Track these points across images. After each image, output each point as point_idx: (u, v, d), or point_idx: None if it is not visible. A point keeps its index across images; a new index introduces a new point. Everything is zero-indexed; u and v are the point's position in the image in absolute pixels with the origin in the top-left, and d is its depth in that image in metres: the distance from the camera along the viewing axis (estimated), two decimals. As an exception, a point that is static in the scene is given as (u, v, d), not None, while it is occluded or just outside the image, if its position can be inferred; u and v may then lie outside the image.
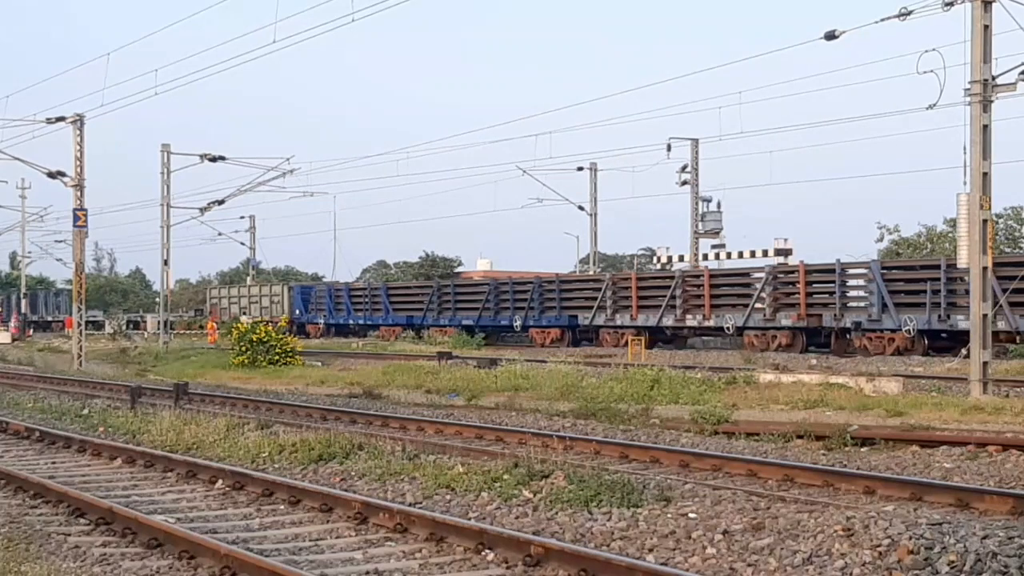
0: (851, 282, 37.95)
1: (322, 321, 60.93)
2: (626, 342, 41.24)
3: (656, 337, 43.41)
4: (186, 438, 16.07)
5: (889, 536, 8.41)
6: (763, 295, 39.02)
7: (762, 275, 40.08)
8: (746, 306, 39.85)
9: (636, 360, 32.07)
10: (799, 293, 38.27)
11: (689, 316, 41.84)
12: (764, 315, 38.85)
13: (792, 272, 39.61)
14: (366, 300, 58.58)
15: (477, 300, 51.88)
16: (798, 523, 9.19)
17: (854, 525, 8.77)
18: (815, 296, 38.39)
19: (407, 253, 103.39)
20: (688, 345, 44.34)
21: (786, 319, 38.26)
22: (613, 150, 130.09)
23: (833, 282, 37.46)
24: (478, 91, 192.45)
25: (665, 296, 42.66)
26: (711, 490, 11.32)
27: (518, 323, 49.12)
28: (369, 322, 58.11)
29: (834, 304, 37.13)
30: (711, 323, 41.07)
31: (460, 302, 52.90)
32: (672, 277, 44.10)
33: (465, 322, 51.47)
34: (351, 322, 59.31)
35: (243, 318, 54.78)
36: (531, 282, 50.08)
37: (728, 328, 40.18)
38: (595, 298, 45.75)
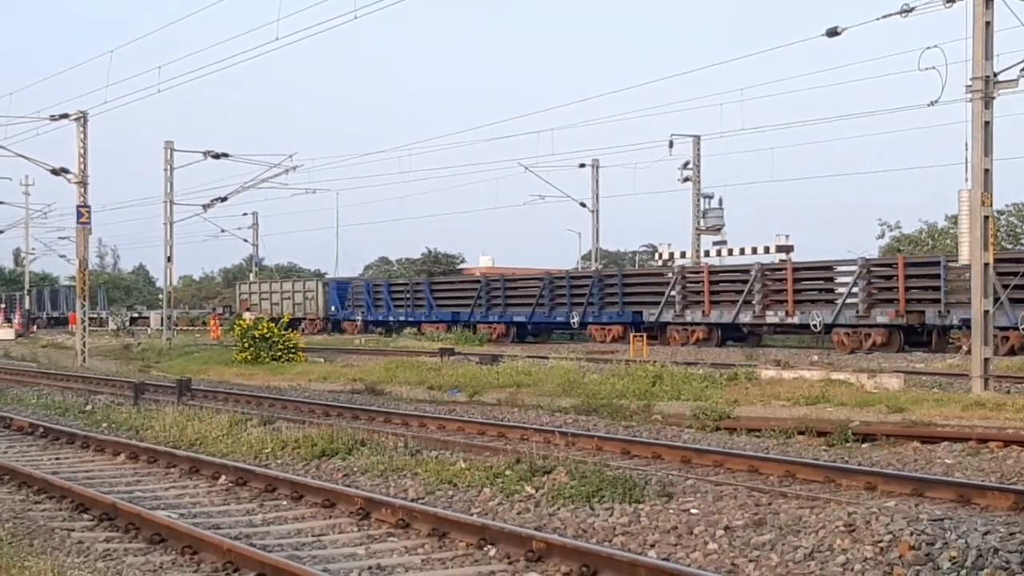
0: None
1: (360, 318, 58.31)
2: (696, 340, 40.25)
3: (729, 335, 41.48)
4: (189, 434, 16.11)
5: (890, 532, 8.42)
6: (855, 290, 36.55)
7: (853, 269, 37.35)
8: (833, 302, 37.67)
9: (638, 356, 32.08)
10: (898, 288, 35.68)
11: (770, 312, 39.21)
12: (857, 311, 36.27)
13: (890, 266, 37.34)
14: (408, 296, 55.76)
15: (530, 295, 49.20)
16: (799, 519, 9.21)
17: (855, 521, 8.78)
18: (915, 291, 35.74)
19: (409, 250, 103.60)
20: (762, 344, 41.47)
21: (882, 316, 35.53)
22: (615, 147, 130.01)
23: (937, 275, 34.77)
24: (480, 88, 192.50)
25: (742, 291, 40.00)
26: (713, 486, 11.34)
27: (575, 319, 46.39)
28: (411, 319, 55.00)
29: (939, 300, 34.42)
30: (795, 320, 38.47)
31: (511, 297, 50.30)
32: (748, 270, 41.20)
33: (516, 318, 49.32)
34: (391, 319, 56.49)
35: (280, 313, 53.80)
36: (590, 276, 47.94)
37: (816, 325, 37.42)
38: (661, 293, 43.26)
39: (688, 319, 41.93)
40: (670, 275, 43.73)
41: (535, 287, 49.07)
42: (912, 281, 35.91)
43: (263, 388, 27.13)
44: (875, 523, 8.65)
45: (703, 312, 41.34)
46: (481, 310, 50.80)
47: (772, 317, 39.17)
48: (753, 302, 39.59)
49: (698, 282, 42.17)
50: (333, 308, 60.38)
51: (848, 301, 36.84)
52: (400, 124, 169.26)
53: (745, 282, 40.20)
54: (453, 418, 18.88)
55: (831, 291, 38.81)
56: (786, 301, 38.77)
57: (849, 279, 37.44)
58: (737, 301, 40.12)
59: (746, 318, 40.04)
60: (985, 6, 19.50)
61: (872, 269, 36.99)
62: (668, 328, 42.83)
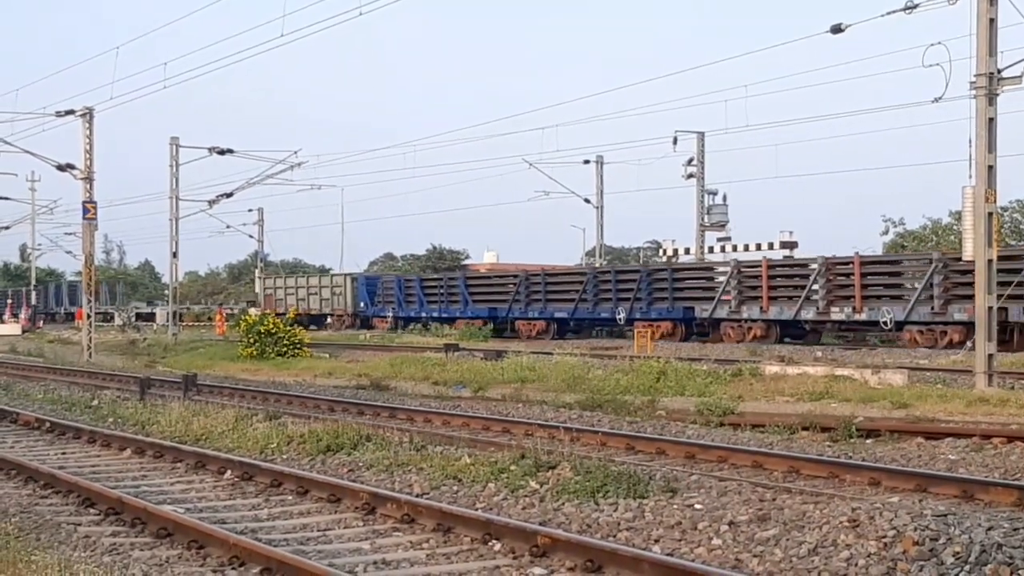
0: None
1: (390, 314, 56.39)
2: (754, 336, 38.49)
3: (787, 332, 39.11)
4: (195, 429, 16.16)
5: (894, 527, 8.44)
6: (931, 285, 34.31)
7: (927, 263, 35.24)
8: (904, 297, 35.50)
9: (642, 352, 32.09)
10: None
11: (835, 308, 36.95)
12: (932, 308, 34.19)
13: (971, 260, 34.89)
14: (441, 291, 53.85)
15: (572, 290, 47.10)
16: (803, 514, 9.23)
17: (859, 516, 8.80)
18: (1000, 287, 32.82)
19: (414, 246, 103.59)
20: (822, 342, 38.81)
21: (960, 313, 32.98)
22: (619, 143, 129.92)
23: (1022, 270, 31.80)
24: (485, 84, 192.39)
25: (803, 286, 38.07)
26: (717, 481, 11.36)
27: (622, 315, 44.20)
28: (445, 315, 52.98)
29: (1024, 296, 31.50)
30: (863, 316, 36.26)
31: (552, 292, 48.23)
32: (807, 265, 39.39)
33: (558, 314, 47.31)
34: (424, 315, 54.40)
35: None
36: (638, 270, 45.90)
37: (886, 322, 35.44)
38: (714, 287, 41.50)
39: (744, 315, 39.65)
40: (725, 269, 41.87)
41: (578, 282, 47.30)
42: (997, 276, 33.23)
43: (268, 383, 27.18)
44: (879, 519, 8.67)
45: (761, 308, 39.14)
46: (520, 306, 49.15)
47: (837, 314, 37.00)
48: (816, 298, 37.56)
49: (756, 276, 39.99)
50: (362, 304, 59.00)
51: (921, 297, 34.67)
52: (405, 120, 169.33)
53: (806, 276, 38.49)
54: (458, 414, 18.91)
55: (899, 286, 36.66)
56: (853, 297, 36.70)
57: (922, 274, 35.20)
58: (798, 297, 38.10)
59: (808, 314, 37.87)
60: (989, 3, 19.48)
61: (948, 263, 34.42)
62: (722, 325, 40.59)
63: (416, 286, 55.76)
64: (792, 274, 40.03)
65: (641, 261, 74.81)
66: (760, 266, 40.21)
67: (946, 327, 33.91)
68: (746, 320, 39.53)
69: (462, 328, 49.54)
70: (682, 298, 42.74)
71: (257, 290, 68.59)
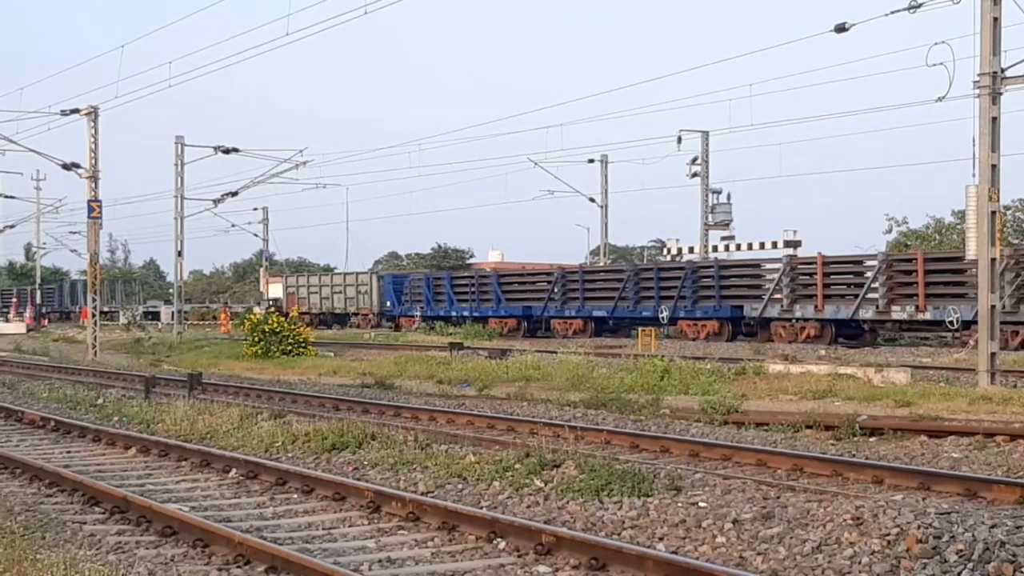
0: None
1: (419, 313, 55.18)
2: (807, 336, 36.96)
3: (842, 332, 37.48)
4: (200, 427, 16.19)
5: (898, 525, 8.46)
6: (1002, 283, 30.31)
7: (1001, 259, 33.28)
8: (970, 296, 32.24)
9: (646, 351, 32.10)
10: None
11: (896, 307, 35.10)
12: (1004, 307, 31.61)
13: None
14: (472, 290, 52.52)
15: (611, 288, 45.72)
16: (807, 512, 9.25)
17: (863, 514, 8.82)
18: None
19: (418, 244, 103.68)
20: (879, 342, 37.39)
21: None
22: (624, 142, 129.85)
23: None
24: (489, 83, 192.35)
25: (862, 284, 36.53)
26: (721, 479, 11.38)
27: (664, 314, 42.62)
28: (476, 314, 51.57)
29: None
30: (927, 316, 34.39)
31: (589, 291, 46.98)
32: (863, 261, 37.98)
33: (596, 313, 46.04)
34: (454, 314, 53.17)
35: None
36: (683, 267, 44.19)
37: (952, 322, 33.52)
38: (762, 286, 40.07)
39: (797, 314, 37.93)
40: (775, 266, 40.13)
41: (617, 279, 45.87)
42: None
43: (273, 382, 27.22)
44: (883, 516, 8.69)
45: (815, 307, 37.46)
46: (556, 304, 47.93)
47: (899, 313, 35.05)
48: (876, 296, 35.80)
49: (810, 274, 38.44)
50: (388, 303, 57.88)
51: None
52: (410, 119, 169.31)
53: (861, 274, 37.20)
54: (463, 412, 18.93)
55: (964, 284, 34.16)
56: (916, 295, 35.00)
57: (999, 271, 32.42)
58: (857, 295, 36.45)
59: (867, 314, 36.15)
60: (993, 2, 19.46)
61: (1020, 260, 32.87)
62: (772, 324, 38.93)
63: (446, 284, 54.67)
64: (849, 271, 38.47)
65: (645, 259, 74.77)
66: (815, 263, 38.58)
67: (1017, 327, 32.05)
68: (799, 319, 37.92)
69: (494, 327, 48.70)
70: (729, 296, 41.33)
71: (262, 289, 68.58)
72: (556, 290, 48.03)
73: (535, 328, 49.34)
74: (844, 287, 38.07)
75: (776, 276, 39.19)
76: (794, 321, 38.02)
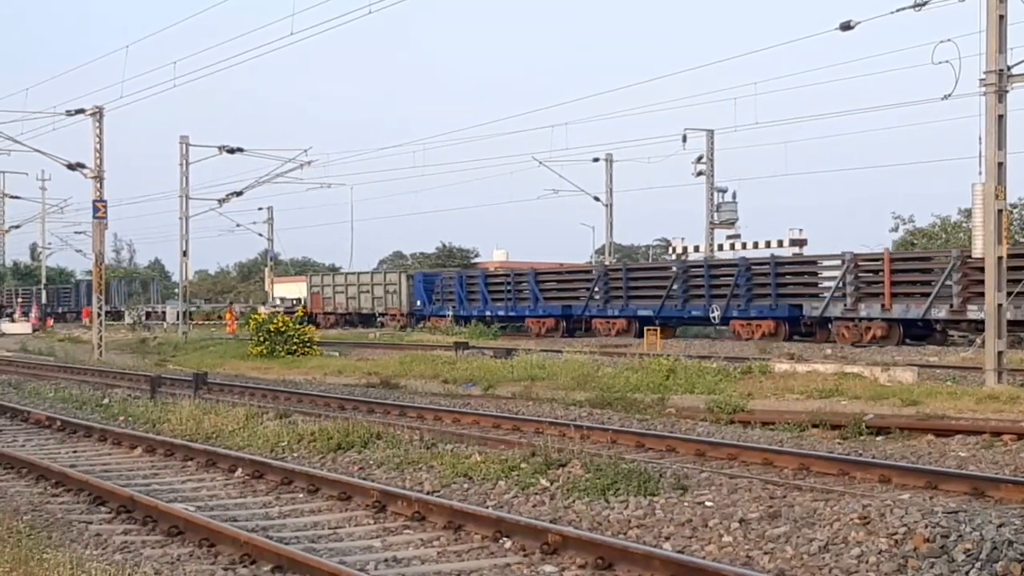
0: None
1: (451, 313, 53.52)
2: (873, 337, 35.02)
3: (910, 332, 35.57)
4: (205, 427, 16.19)
5: (905, 524, 8.44)
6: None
7: None
8: None
9: (652, 350, 32.08)
10: None
11: (972, 307, 32.41)
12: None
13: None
14: (508, 289, 50.82)
15: (659, 287, 43.89)
16: (814, 511, 9.23)
17: (870, 513, 8.81)
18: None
19: (423, 244, 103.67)
20: (950, 343, 34.40)
21: None
22: (629, 141, 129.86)
23: None
24: (493, 83, 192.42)
25: (933, 281, 34.24)
26: (727, 479, 11.35)
27: (716, 313, 40.93)
28: (512, 313, 50.26)
29: None
30: (1008, 315, 30.34)
31: (634, 289, 45.01)
32: (933, 258, 36.18)
33: (641, 312, 43.97)
34: (488, 313, 51.45)
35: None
36: (735, 264, 42.00)
37: None
38: (822, 283, 38.21)
39: (863, 313, 35.91)
40: (835, 263, 37.84)
41: (664, 277, 44.11)
42: None
43: (279, 382, 27.22)
44: (890, 516, 8.67)
45: (883, 306, 35.35)
46: (597, 303, 46.08)
47: (976, 312, 31.58)
48: (951, 295, 33.63)
49: (877, 271, 36.24)
50: (419, 303, 56.59)
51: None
52: (414, 118, 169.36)
53: (929, 271, 35.14)
54: (468, 411, 18.92)
55: None
56: None
57: None
58: (928, 293, 34.25)
59: (940, 313, 33.99)
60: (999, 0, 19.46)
61: None
62: (835, 323, 36.99)
63: (480, 283, 53.34)
64: (918, 268, 36.30)
65: (651, 258, 74.65)
66: (881, 259, 36.53)
67: None
68: (864, 319, 35.92)
69: (531, 327, 47.95)
70: (786, 295, 39.24)
71: (267, 288, 68.60)
72: (598, 288, 46.36)
73: (574, 328, 47.94)
74: (916, 284, 35.76)
75: (837, 273, 37.23)
76: (858, 321, 36.13)
